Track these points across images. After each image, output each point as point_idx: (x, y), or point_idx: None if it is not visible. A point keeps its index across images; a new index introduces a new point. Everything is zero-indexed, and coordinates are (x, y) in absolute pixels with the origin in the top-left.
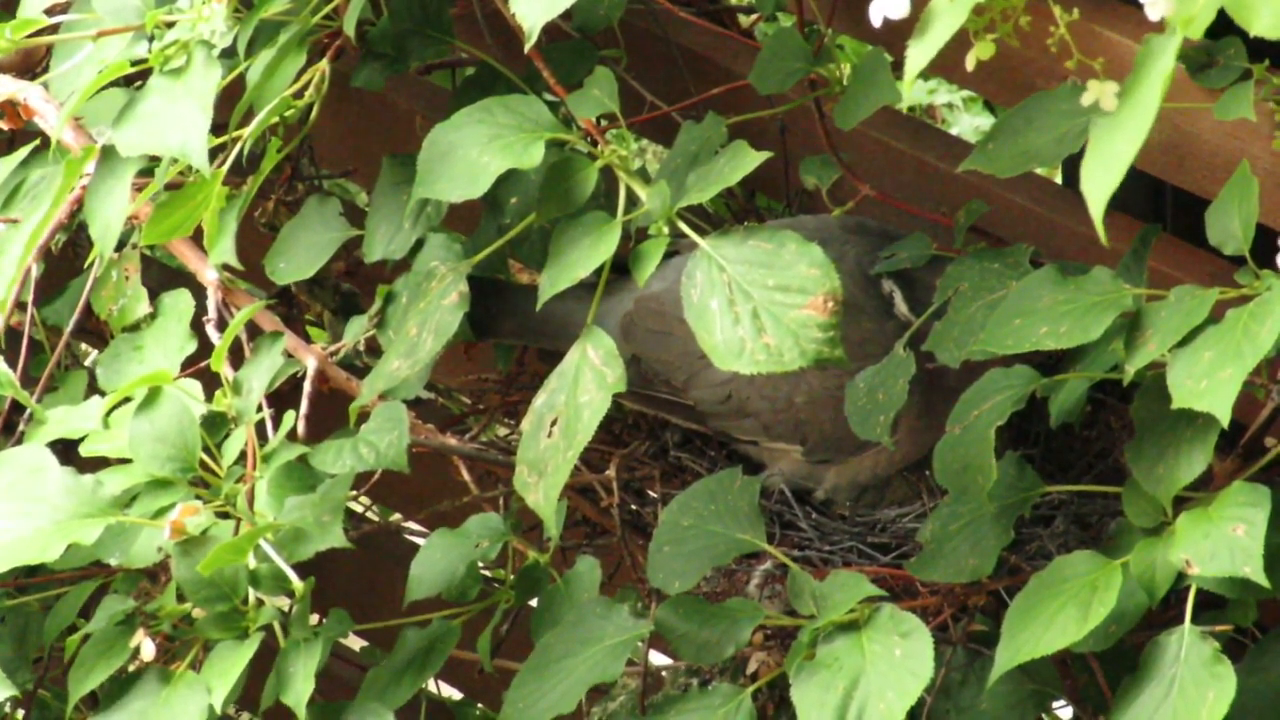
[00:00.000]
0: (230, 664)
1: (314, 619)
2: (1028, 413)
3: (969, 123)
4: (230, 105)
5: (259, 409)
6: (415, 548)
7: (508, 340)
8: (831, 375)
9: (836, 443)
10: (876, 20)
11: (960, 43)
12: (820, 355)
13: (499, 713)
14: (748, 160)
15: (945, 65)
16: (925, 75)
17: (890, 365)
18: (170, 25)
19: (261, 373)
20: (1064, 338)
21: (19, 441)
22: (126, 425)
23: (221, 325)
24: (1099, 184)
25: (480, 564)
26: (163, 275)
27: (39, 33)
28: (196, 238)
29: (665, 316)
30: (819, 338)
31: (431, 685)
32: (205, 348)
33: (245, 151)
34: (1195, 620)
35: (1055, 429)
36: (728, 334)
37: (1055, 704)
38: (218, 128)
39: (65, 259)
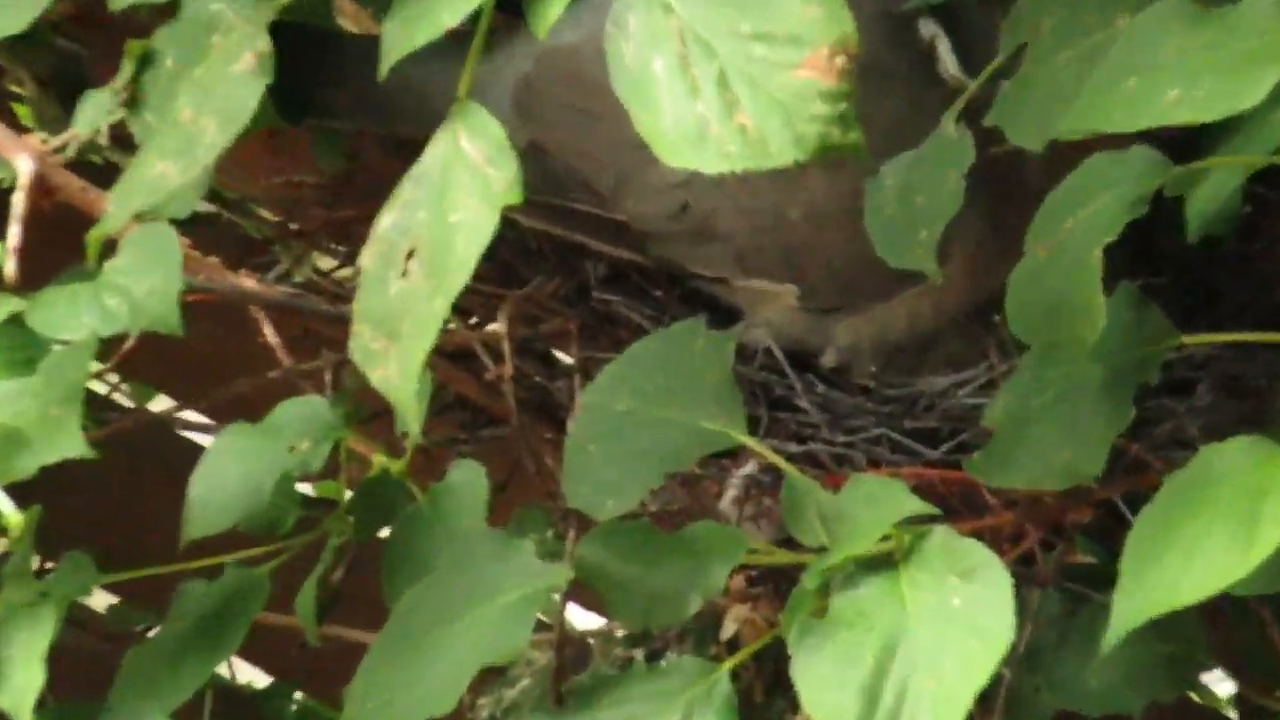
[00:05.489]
0: None
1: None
2: (1150, 222)
3: None
4: None
5: None
6: (195, 452)
7: (335, 122)
8: (843, 175)
9: (851, 280)
10: None
11: None
12: (825, 142)
13: (331, 706)
14: None
15: None
16: None
17: (934, 152)
18: None
19: None
20: (1204, 105)
21: None
22: None
23: None
24: None
25: (298, 476)
26: None
27: None
28: None
29: (583, 83)
30: (823, 114)
31: (224, 668)
32: None
33: None
34: None
35: (1194, 246)
36: (681, 111)
37: (1204, 675)
38: None
39: None
